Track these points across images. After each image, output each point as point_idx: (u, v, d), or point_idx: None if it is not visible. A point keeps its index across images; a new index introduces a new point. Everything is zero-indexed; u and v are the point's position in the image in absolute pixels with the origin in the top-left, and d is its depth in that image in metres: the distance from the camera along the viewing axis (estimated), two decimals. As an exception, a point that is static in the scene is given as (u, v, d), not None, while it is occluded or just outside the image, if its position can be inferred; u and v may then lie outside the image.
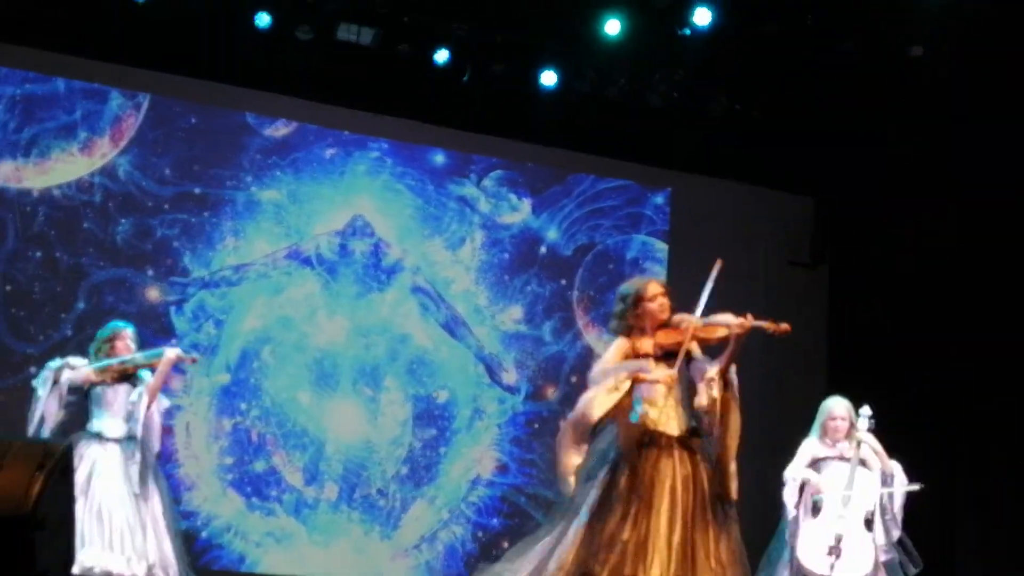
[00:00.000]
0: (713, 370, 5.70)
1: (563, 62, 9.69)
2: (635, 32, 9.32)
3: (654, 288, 5.91)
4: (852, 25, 9.13)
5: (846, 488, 7.16)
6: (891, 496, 7.30)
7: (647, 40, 9.45)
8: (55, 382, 7.14)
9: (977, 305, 9.20)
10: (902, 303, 9.71)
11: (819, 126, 10.12)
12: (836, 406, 7.42)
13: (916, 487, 7.31)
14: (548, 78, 9.72)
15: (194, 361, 7.81)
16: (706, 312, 5.76)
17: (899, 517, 7.34)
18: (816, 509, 7.25)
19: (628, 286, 6.00)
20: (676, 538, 5.56)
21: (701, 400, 5.70)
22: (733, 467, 5.74)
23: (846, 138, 10.10)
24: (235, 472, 9.38)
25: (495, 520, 9.81)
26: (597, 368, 5.88)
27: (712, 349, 5.88)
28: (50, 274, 9.21)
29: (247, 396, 9.47)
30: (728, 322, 5.70)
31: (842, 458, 7.30)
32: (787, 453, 7.43)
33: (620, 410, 5.76)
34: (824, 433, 7.40)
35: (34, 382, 7.24)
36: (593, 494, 5.66)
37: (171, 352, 7.28)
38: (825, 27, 9.15)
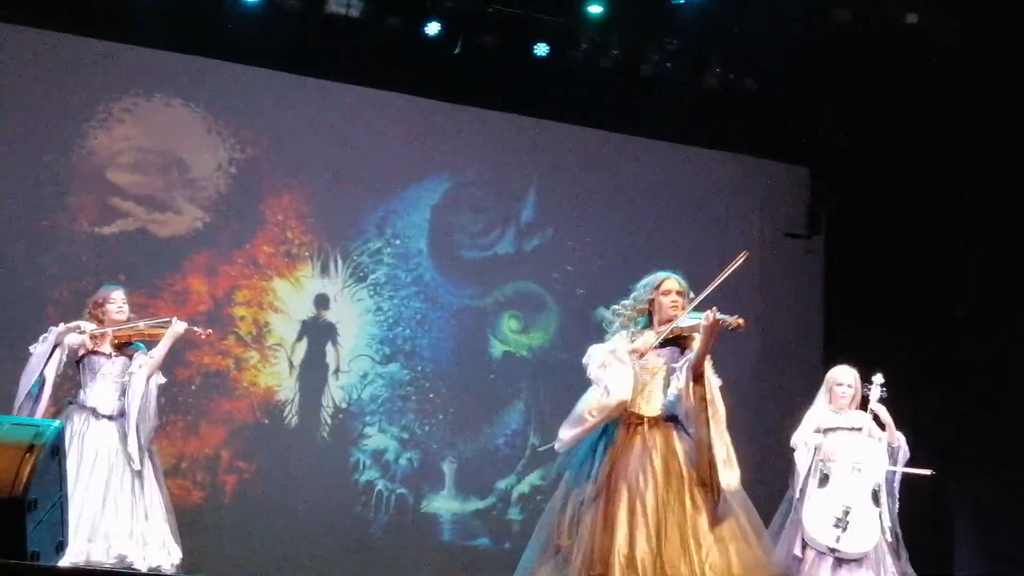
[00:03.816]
0: (682, 361, 5.77)
1: (556, 33, 9.57)
2: (628, 1, 9.21)
3: (670, 284, 5.95)
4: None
5: (856, 459, 7.09)
6: (894, 471, 7.22)
7: (640, 9, 9.36)
8: (56, 345, 6.82)
9: (975, 275, 9.15)
10: (899, 273, 9.64)
11: (814, 94, 10.04)
12: (842, 373, 7.37)
13: (926, 472, 7.23)
14: (541, 49, 9.59)
15: (207, 336, 7.26)
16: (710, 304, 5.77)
17: (897, 491, 7.26)
18: (824, 479, 7.16)
19: (649, 277, 6.04)
20: (641, 509, 5.62)
21: (671, 389, 5.78)
22: (717, 458, 5.67)
23: (841, 106, 10.02)
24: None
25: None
26: (595, 362, 5.89)
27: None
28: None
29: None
30: (698, 316, 5.74)
31: (851, 428, 7.23)
32: (784, 426, 7.38)
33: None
34: (830, 400, 7.33)
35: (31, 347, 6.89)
36: (585, 468, 5.81)
37: (179, 325, 6.96)
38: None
